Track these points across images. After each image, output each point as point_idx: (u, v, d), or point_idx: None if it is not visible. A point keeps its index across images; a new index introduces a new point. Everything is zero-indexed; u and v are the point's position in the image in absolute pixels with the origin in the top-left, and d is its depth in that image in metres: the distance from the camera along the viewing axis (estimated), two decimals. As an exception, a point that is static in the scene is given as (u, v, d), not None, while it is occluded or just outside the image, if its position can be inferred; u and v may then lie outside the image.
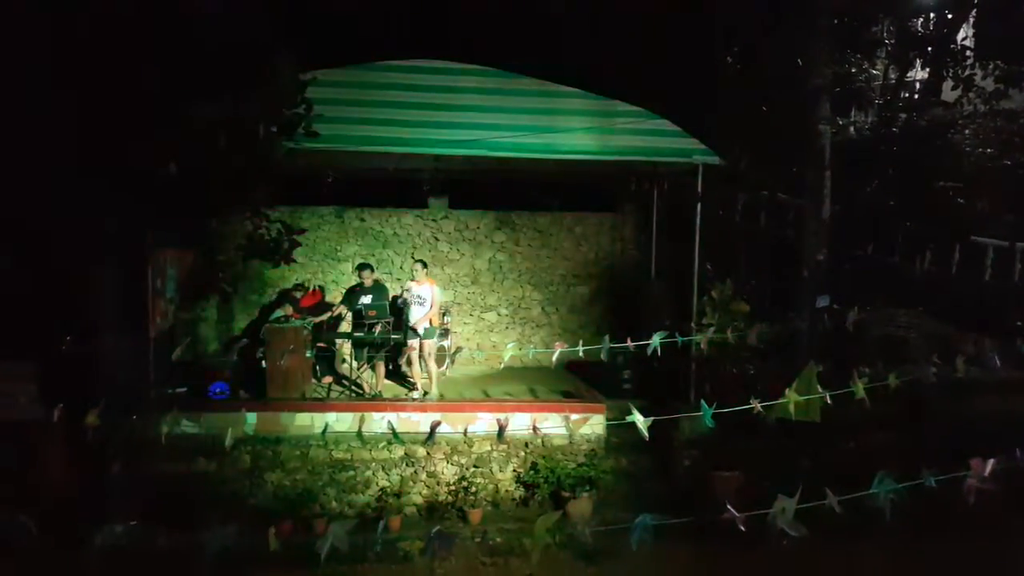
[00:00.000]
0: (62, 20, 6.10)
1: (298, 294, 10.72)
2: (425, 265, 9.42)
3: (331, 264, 11.64)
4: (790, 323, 9.59)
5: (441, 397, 9.21)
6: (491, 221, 11.95)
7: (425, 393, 9.29)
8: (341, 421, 8.49)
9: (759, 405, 5.06)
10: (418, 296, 9.11)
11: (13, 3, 5.99)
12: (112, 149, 6.55)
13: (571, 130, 8.98)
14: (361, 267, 9.67)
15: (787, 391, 5.20)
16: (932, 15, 14.94)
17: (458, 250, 11.91)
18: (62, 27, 6.11)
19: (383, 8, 12.65)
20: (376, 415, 8.50)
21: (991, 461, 4.04)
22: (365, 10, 12.34)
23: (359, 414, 8.53)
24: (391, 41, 10.78)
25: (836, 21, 11.43)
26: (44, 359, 7.78)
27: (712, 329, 8.42)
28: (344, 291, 10.46)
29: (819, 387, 5.31)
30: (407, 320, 9.20)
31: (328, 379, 9.84)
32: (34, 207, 6.56)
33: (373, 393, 9.29)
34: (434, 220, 11.87)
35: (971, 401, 8.67)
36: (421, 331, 9.07)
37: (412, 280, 9.36)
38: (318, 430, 8.25)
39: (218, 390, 8.90)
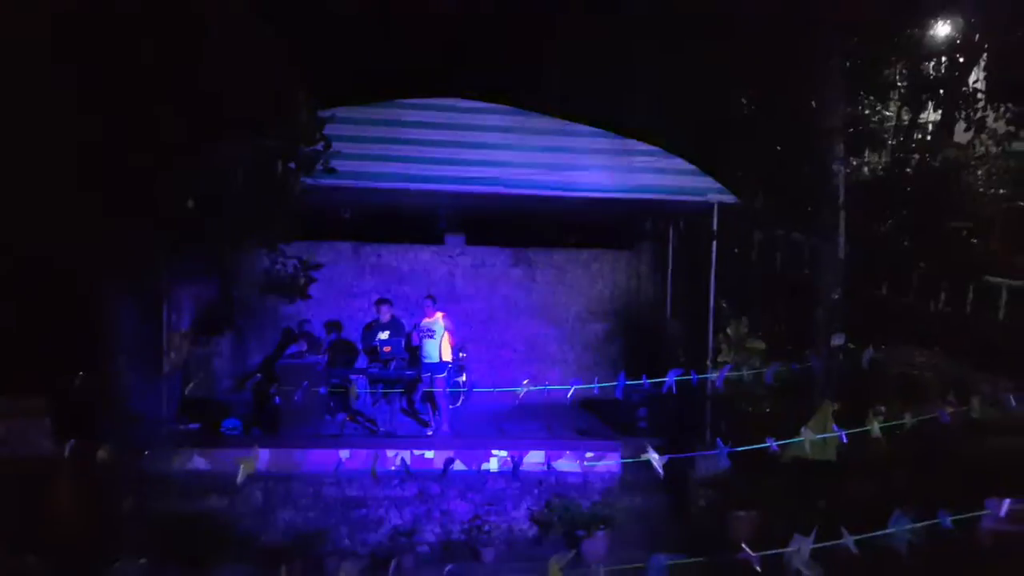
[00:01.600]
0: (85, 55, 6.26)
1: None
2: (435, 301, 9.46)
3: (347, 300, 11.70)
4: (806, 361, 9.53)
5: (455, 434, 9.17)
6: (507, 257, 12.01)
7: (436, 430, 9.25)
8: (354, 458, 8.45)
9: (775, 444, 5.02)
10: (428, 330, 9.14)
11: (38, 38, 6.15)
12: (131, 184, 6.67)
13: (587, 168, 9.07)
14: (379, 302, 9.72)
15: (803, 429, 5.16)
16: (944, 58, 15.08)
17: (474, 286, 11.95)
18: (85, 62, 6.27)
19: (402, 47, 12.91)
20: (390, 452, 8.47)
21: (1008, 502, 3.98)
22: (384, 49, 12.60)
23: (373, 451, 8.49)
24: (410, 80, 10.96)
25: (848, 64, 11.54)
26: (56, 394, 7.83)
27: (728, 367, 8.42)
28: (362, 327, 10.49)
29: (835, 425, 5.27)
30: (421, 357, 9.21)
31: (342, 415, 9.83)
32: (50, 241, 6.66)
33: (387, 430, 9.26)
34: (450, 256, 11.95)
35: (987, 441, 8.54)
36: (433, 362, 9.07)
37: (424, 316, 9.40)
38: (331, 467, 8.22)
39: (231, 426, 8.90)
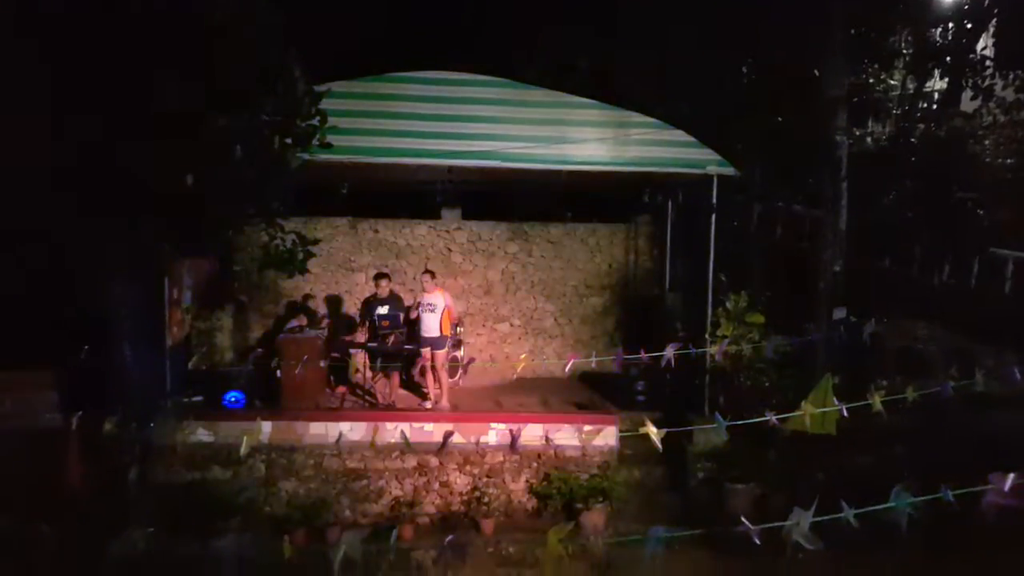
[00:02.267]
0: (80, 29, 6.19)
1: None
2: (433, 275, 9.44)
3: (345, 275, 11.71)
4: (806, 335, 9.51)
5: (454, 408, 9.21)
6: (504, 232, 11.97)
7: (436, 403, 9.30)
8: (355, 431, 8.49)
9: (774, 417, 5.02)
10: (429, 304, 9.14)
11: (32, 13, 6.08)
12: (128, 160, 6.63)
13: (584, 141, 8.98)
14: (378, 276, 9.70)
15: (803, 403, 5.16)
16: (951, 25, 14.82)
17: (471, 261, 11.93)
18: (80, 36, 6.21)
19: (396, 21, 12.76)
20: (389, 425, 8.51)
21: (1011, 476, 3.98)
22: (378, 23, 12.46)
23: (372, 424, 8.54)
24: (405, 53, 10.84)
25: (853, 31, 11.37)
26: (62, 368, 7.87)
27: (727, 341, 8.41)
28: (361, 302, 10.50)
29: (835, 399, 5.27)
30: (419, 330, 9.22)
31: (342, 388, 9.87)
32: (51, 218, 6.65)
33: (387, 403, 9.31)
34: (447, 231, 11.91)
35: (991, 415, 8.55)
36: (433, 337, 9.09)
37: (423, 291, 9.38)
38: (332, 439, 8.27)
39: (233, 399, 8.96)
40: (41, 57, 6.17)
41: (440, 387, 9.26)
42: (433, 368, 9.23)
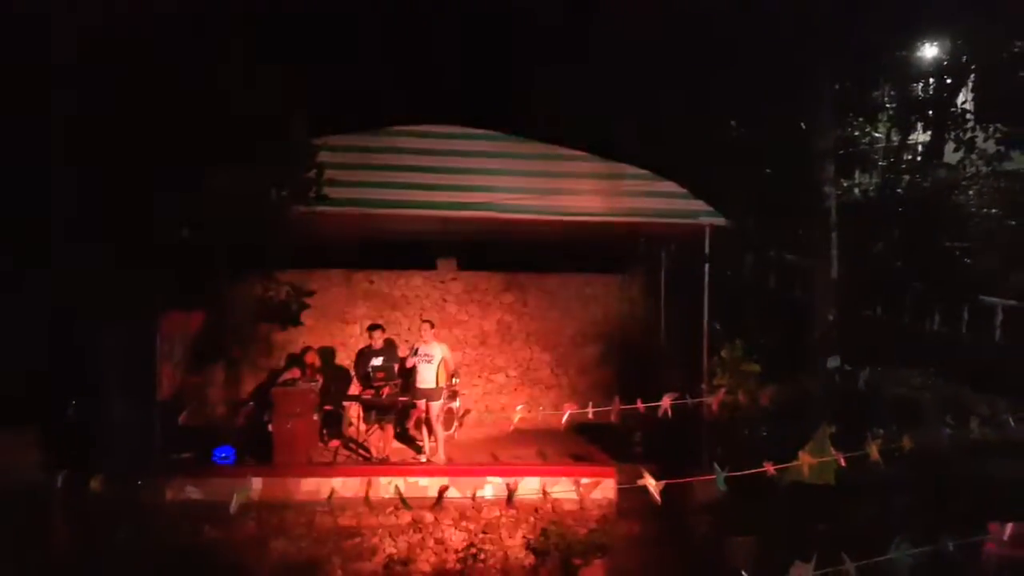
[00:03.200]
0: (81, 81, 6.29)
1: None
2: (432, 325, 9.43)
3: (339, 326, 11.66)
4: (802, 384, 9.49)
5: (449, 461, 9.09)
6: (499, 282, 12.01)
7: (431, 456, 9.17)
8: (348, 486, 8.35)
9: (773, 468, 4.97)
10: (425, 355, 9.09)
11: (38, 67, 6.18)
12: (124, 212, 6.67)
13: (578, 192, 9.09)
14: (372, 328, 9.67)
15: (800, 453, 5.12)
16: (931, 80, 15.23)
17: (466, 311, 11.93)
18: (81, 88, 6.30)
19: (393, 76, 13.01)
20: (383, 480, 8.38)
21: (1010, 525, 3.95)
22: (376, 77, 12.70)
23: (366, 479, 8.41)
24: (402, 107, 11.02)
25: (837, 86, 11.66)
26: (49, 423, 7.75)
27: (723, 390, 8.38)
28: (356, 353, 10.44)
29: (833, 449, 5.23)
30: (415, 382, 9.16)
31: (335, 442, 9.74)
32: (44, 270, 6.64)
33: (381, 457, 9.18)
34: (442, 282, 11.94)
35: (987, 463, 8.50)
36: (430, 388, 9.02)
37: (420, 340, 9.34)
38: (324, 495, 8.13)
39: (223, 455, 8.81)
40: (44, 107, 6.25)
41: (435, 440, 9.15)
42: (428, 420, 9.13)
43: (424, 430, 9.29)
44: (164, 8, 6.51)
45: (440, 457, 9.07)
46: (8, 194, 6.23)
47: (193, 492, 8.24)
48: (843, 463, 5.16)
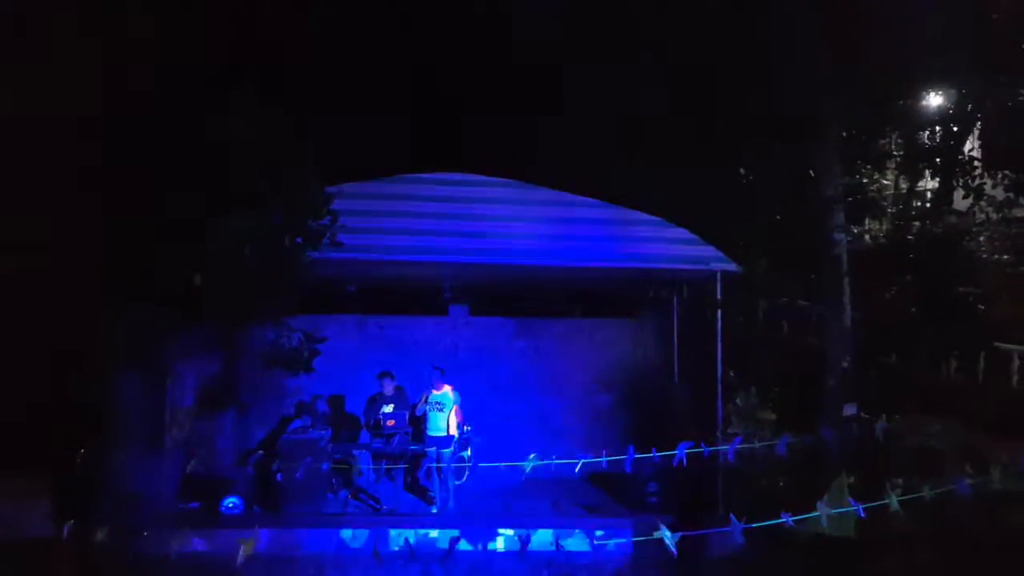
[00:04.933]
0: (91, 129, 6.39)
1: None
2: (443, 372, 9.38)
3: (351, 373, 11.60)
4: (818, 432, 9.34)
5: (460, 512, 8.93)
6: (511, 328, 11.97)
7: (442, 508, 9.02)
8: (357, 538, 8.20)
9: (791, 519, 4.85)
10: (437, 403, 9.02)
11: (48, 115, 6.28)
12: (137, 258, 6.71)
13: (589, 238, 9.12)
14: (382, 375, 9.62)
15: (819, 504, 5.00)
16: (938, 127, 15.34)
17: (478, 357, 11.87)
18: (91, 136, 6.39)
19: (407, 126, 13.21)
20: (393, 532, 8.23)
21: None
22: (389, 127, 12.89)
23: (375, 531, 8.27)
24: (415, 156, 11.16)
25: (845, 134, 11.75)
26: (57, 473, 7.68)
27: (739, 439, 8.24)
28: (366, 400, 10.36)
29: (851, 499, 5.10)
30: (427, 430, 9.07)
31: (345, 493, 9.60)
32: (54, 316, 6.65)
33: (391, 507, 9.03)
34: (454, 328, 11.90)
35: (1009, 513, 8.30)
36: (440, 436, 8.92)
37: (432, 388, 9.28)
38: (333, 548, 7.97)
39: (231, 504, 8.69)
40: (50, 148, 6.32)
41: (447, 490, 9.01)
42: (439, 469, 9.01)
43: (435, 479, 9.16)
44: (176, 58, 6.65)
45: (451, 506, 8.92)
46: (16, 228, 6.27)
47: (199, 544, 8.09)
48: (863, 514, 5.04)
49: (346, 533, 8.18)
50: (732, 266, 9.31)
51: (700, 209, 11.31)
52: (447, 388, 9.22)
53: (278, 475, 8.92)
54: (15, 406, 7.07)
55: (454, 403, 9.05)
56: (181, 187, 6.74)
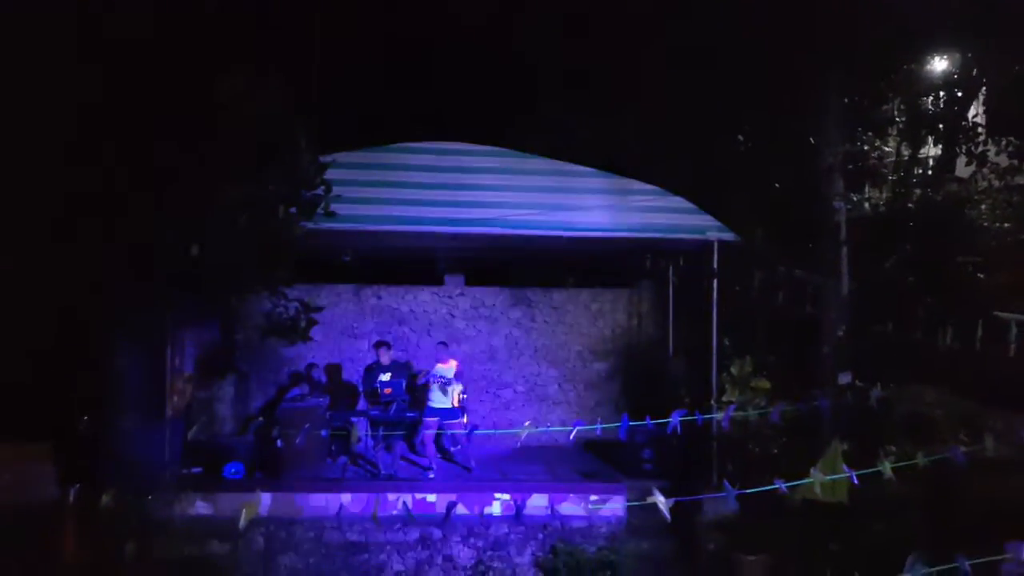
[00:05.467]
0: (87, 99, 6.35)
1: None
2: (447, 346, 9.44)
3: (348, 342, 11.68)
4: (812, 400, 9.41)
5: (457, 477, 9.06)
6: (507, 298, 12.00)
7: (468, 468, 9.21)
8: (356, 502, 8.33)
9: (784, 485, 4.92)
10: (442, 378, 9.10)
11: (40, 80, 6.24)
12: (133, 229, 6.71)
13: (585, 208, 9.10)
14: (378, 344, 9.68)
15: (812, 471, 5.06)
16: (942, 93, 15.15)
17: (474, 327, 11.92)
18: (88, 106, 6.36)
19: (401, 92, 13.09)
20: (391, 496, 8.36)
21: (1027, 544, 3.88)
22: (383, 94, 12.78)
23: (374, 495, 8.40)
24: (410, 124, 11.08)
25: (846, 100, 11.62)
26: (61, 439, 7.78)
27: (733, 407, 8.31)
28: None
29: (845, 466, 5.17)
30: (428, 400, 9.17)
31: (343, 459, 9.72)
32: (53, 284, 6.68)
33: (388, 473, 9.16)
34: (450, 297, 11.95)
35: (1003, 481, 8.38)
36: (446, 408, 9.05)
37: (436, 361, 9.35)
38: (333, 511, 8.11)
39: (233, 470, 8.82)
40: (49, 117, 6.29)
41: (462, 458, 9.20)
42: (441, 438, 9.15)
43: (431, 447, 9.28)
44: (168, 21, 6.58)
45: (471, 464, 9.13)
46: (17, 200, 6.28)
47: (203, 507, 8.25)
48: (856, 481, 5.11)
49: (345, 497, 8.30)
50: (729, 235, 9.30)
51: (697, 178, 11.25)
52: (453, 363, 9.29)
53: (278, 441, 9.02)
54: (19, 374, 7.14)
55: (456, 378, 9.14)
56: (175, 154, 6.72)
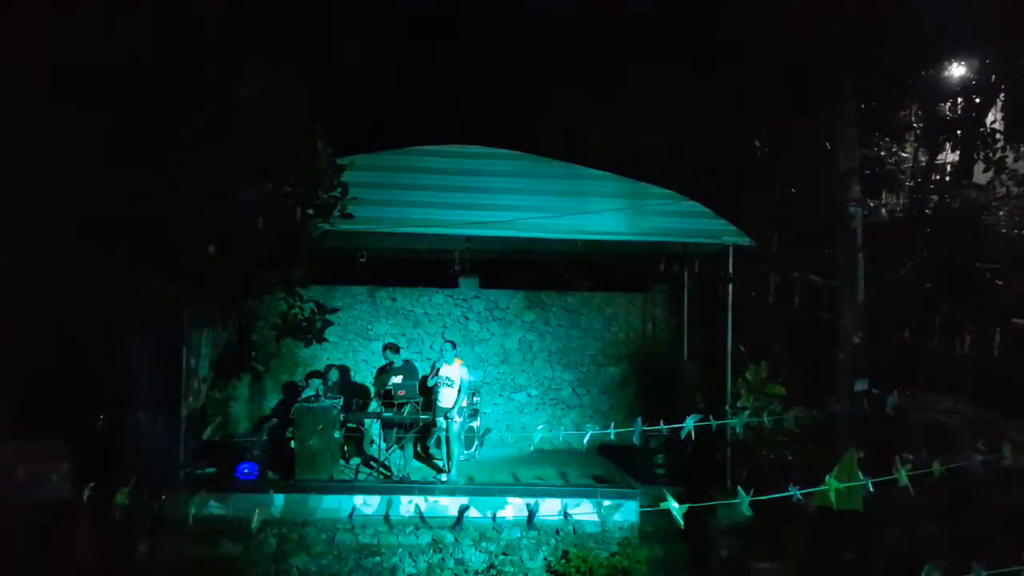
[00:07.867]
0: (107, 104, 6.39)
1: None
2: (455, 346, 9.43)
3: (362, 343, 11.71)
4: (828, 407, 9.34)
5: (469, 480, 9.05)
6: (521, 301, 12.00)
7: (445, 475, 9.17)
8: (368, 504, 8.34)
9: (799, 492, 4.88)
10: (447, 379, 9.11)
11: (60, 79, 6.28)
12: (151, 232, 6.76)
13: (600, 211, 9.09)
14: (389, 346, 9.70)
15: (828, 478, 5.02)
16: (960, 99, 15.03)
17: (488, 330, 11.93)
18: (106, 111, 6.40)
19: (419, 97, 13.13)
20: (404, 498, 8.37)
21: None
22: (401, 99, 12.82)
23: (387, 497, 8.41)
24: (427, 128, 11.11)
25: (863, 106, 11.55)
26: (76, 438, 7.84)
27: (748, 412, 8.27)
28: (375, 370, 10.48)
29: (860, 474, 5.12)
30: (436, 401, 9.16)
31: (356, 460, 9.74)
32: (72, 286, 6.73)
33: (401, 475, 9.17)
34: (464, 300, 11.96)
35: (1021, 490, 8.28)
36: (452, 412, 9.04)
37: (443, 361, 9.36)
38: (345, 513, 8.12)
39: (246, 470, 8.85)
40: (72, 119, 6.34)
41: (449, 458, 9.18)
42: (448, 439, 9.13)
43: (443, 449, 9.29)
44: (188, 25, 6.62)
45: (451, 475, 9.04)
46: (33, 198, 6.32)
47: (216, 507, 8.28)
48: (872, 489, 5.06)
49: (357, 499, 8.32)
50: (744, 240, 9.26)
51: (714, 182, 11.22)
52: (459, 364, 9.29)
53: (291, 442, 9.05)
54: (37, 374, 7.20)
55: (466, 384, 9.15)
56: (195, 157, 6.77)
